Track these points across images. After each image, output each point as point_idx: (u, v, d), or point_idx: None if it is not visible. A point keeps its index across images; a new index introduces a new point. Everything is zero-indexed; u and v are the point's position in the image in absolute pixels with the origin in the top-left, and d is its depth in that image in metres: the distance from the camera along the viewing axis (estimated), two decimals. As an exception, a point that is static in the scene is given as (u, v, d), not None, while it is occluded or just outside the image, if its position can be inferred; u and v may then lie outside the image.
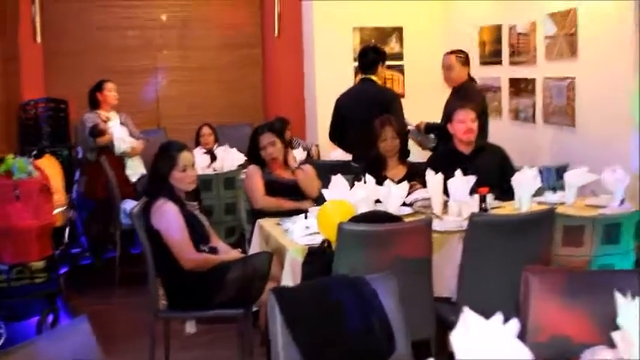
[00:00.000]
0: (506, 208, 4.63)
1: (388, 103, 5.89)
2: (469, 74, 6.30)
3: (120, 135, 6.82)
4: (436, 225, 4.04)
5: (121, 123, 7.00)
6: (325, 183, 5.09)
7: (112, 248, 7.04)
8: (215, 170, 6.65)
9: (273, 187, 5.04)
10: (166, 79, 9.34)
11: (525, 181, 4.58)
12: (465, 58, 6.25)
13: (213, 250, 4.24)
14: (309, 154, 7.30)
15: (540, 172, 4.76)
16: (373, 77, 6.08)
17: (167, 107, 9.27)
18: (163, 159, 4.15)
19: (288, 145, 5.48)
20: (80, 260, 7.11)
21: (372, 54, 6.13)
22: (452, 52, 6.34)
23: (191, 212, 4.18)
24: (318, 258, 3.70)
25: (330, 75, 8.17)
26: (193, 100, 9.24)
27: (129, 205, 6.44)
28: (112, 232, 6.76)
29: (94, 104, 6.99)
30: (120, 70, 8.97)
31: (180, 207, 4.07)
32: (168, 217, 4.01)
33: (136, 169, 6.99)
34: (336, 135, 6.24)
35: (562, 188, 4.91)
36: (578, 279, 2.54)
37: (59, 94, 8.48)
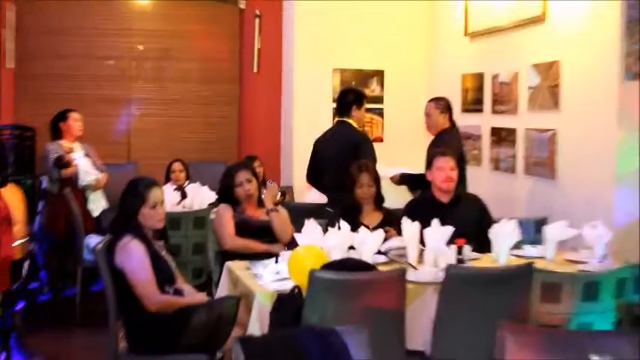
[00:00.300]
0: (483, 261, 4.63)
1: (358, 146, 5.98)
2: (451, 121, 6.35)
3: (85, 167, 6.79)
4: (411, 275, 4.02)
5: (85, 154, 6.96)
6: (299, 227, 5.10)
7: (72, 284, 6.97)
8: (184, 208, 6.61)
9: (244, 228, 5.02)
10: (140, 111, 9.36)
11: (504, 234, 4.60)
12: (444, 106, 6.33)
13: (179, 293, 4.18)
14: (283, 196, 7.29)
15: (519, 224, 4.77)
16: (349, 120, 6.17)
17: (139, 140, 9.26)
18: (132, 195, 4.12)
19: (262, 184, 5.47)
20: (38, 296, 7.01)
21: (350, 95, 6.23)
22: (431, 100, 6.43)
23: (157, 252, 4.14)
24: (287, 305, 3.67)
25: (308, 115, 8.19)
26: (167, 133, 9.26)
27: (93, 240, 6.37)
28: (73, 267, 6.69)
29: (56, 134, 6.96)
30: (93, 100, 9.00)
31: (147, 246, 4.03)
32: (134, 256, 3.97)
33: (98, 203, 6.96)
34: (313, 176, 6.34)
35: (541, 242, 4.92)
36: (553, 339, 2.54)
37: (28, 121, 8.46)
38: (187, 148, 9.07)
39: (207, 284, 5.99)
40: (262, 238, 5.05)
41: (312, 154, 6.35)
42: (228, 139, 9.44)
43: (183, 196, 6.82)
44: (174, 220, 5.83)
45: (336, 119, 6.31)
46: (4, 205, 5.19)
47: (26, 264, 6.47)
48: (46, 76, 9.00)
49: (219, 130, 9.41)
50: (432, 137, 6.36)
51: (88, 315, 6.36)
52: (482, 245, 4.83)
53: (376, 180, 5.26)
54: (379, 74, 8.37)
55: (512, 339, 2.57)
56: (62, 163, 6.70)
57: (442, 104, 6.33)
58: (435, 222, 4.54)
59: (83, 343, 5.99)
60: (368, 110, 8.23)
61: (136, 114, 9.34)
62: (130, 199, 4.11)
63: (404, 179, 6.42)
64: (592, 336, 2.71)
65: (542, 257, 4.68)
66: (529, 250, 4.84)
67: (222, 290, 4.45)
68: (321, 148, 6.24)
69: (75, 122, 6.96)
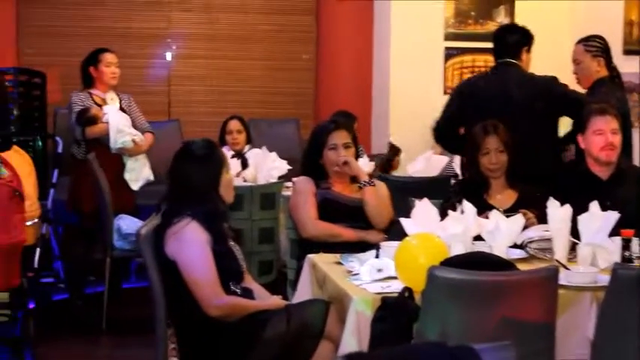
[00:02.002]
0: (657, 259, 4.60)
1: (562, 97, 5.90)
2: (610, 68, 6.27)
3: (118, 124, 6.89)
4: (561, 278, 4.00)
5: (121, 108, 7.06)
6: (400, 208, 5.13)
7: (95, 280, 7.13)
8: (246, 181, 6.67)
9: (331, 209, 5.10)
10: (183, 51, 9.42)
11: (688, 223, 4.54)
12: (598, 49, 6.27)
13: (248, 293, 4.25)
14: (384, 167, 7.33)
15: None
16: (517, 62, 6.06)
17: (182, 91, 9.36)
18: (204, 164, 4.23)
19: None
20: (53, 294, 7.19)
21: (516, 34, 6.09)
22: (580, 41, 6.39)
23: (225, 239, 4.23)
24: (394, 313, 3.69)
25: (409, 57, 8.18)
26: (219, 82, 9.31)
27: (126, 222, 6.52)
28: (99, 258, 6.84)
29: (87, 82, 7.07)
30: (118, 34, 9.10)
31: (213, 231, 4.11)
32: (191, 246, 4.04)
33: (138, 173, 7.06)
34: (450, 134, 6.18)
35: None
36: None
37: (34, 64, 8.61)
38: (247, 101, 9.14)
39: (277, 283, 6.08)
40: (353, 223, 5.11)
41: (455, 104, 6.10)
42: (301, 91, 9.45)
43: (244, 165, 6.90)
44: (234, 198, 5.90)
45: (500, 61, 6.14)
46: (12, 174, 5.33)
47: (37, 252, 6.66)
48: (58, 4, 9.13)
49: (290, 79, 9.42)
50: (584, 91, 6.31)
51: (118, 320, 6.53)
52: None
53: (508, 145, 5.22)
54: (508, 2, 8.31)
55: None
56: (86, 118, 6.80)
57: (595, 46, 6.29)
58: (594, 205, 4.50)
59: (111, 355, 6.14)
60: (492, 51, 8.19)
61: (178, 55, 9.43)
62: (200, 169, 4.22)
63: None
64: None
65: None
66: None
67: (304, 292, 4.50)
68: (479, 95, 5.97)
69: (108, 67, 7.05)
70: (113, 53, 7.12)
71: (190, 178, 4.22)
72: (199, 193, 4.19)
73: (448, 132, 6.17)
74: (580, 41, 6.39)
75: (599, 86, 6.19)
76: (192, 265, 4.03)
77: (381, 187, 5.27)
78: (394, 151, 7.60)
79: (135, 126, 7.05)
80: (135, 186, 7.00)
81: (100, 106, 6.95)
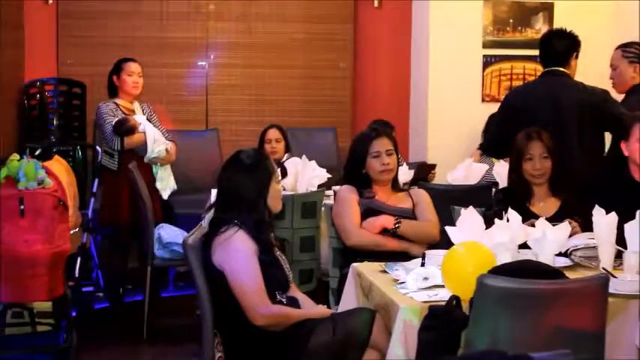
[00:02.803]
0: (702, 268, 4.57)
1: (602, 104, 5.84)
2: None
3: (154, 134, 6.92)
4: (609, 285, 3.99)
5: (147, 118, 7.08)
6: (442, 216, 5.12)
7: (133, 289, 7.17)
8: (285, 190, 6.68)
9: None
10: (220, 60, 9.45)
11: None
12: (635, 55, 6.28)
13: (293, 302, 4.26)
14: (423, 177, 7.32)
15: None
16: (566, 70, 6.00)
17: (220, 100, 9.39)
18: (252, 172, 4.25)
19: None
20: (94, 303, 7.23)
21: (565, 40, 6.03)
22: (619, 47, 6.39)
23: (271, 248, 4.25)
24: (442, 322, 3.67)
25: (448, 65, 8.17)
26: (256, 91, 9.34)
27: (166, 231, 6.54)
28: (136, 267, 6.87)
29: (112, 91, 7.10)
30: (156, 45, 9.13)
31: (260, 240, 4.14)
32: (239, 255, 4.06)
33: (167, 182, 7.11)
34: (501, 145, 6.14)
35: None
36: None
37: (74, 74, 8.67)
38: (285, 110, 9.15)
39: (317, 292, 6.08)
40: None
41: (505, 113, 6.05)
42: (338, 99, 9.45)
43: (284, 173, 6.89)
44: (276, 207, 5.93)
45: (548, 69, 6.04)
46: (57, 184, 5.37)
47: (78, 261, 6.71)
48: (98, 14, 9.17)
49: (327, 87, 9.42)
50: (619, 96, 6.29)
51: (159, 328, 6.55)
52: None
53: (552, 152, 5.20)
54: (547, 8, 8.32)
55: None
56: (126, 128, 6.82)
57: (633, 52, 6.28)
58: (640, 213, 4.48)
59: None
60: (530, 59, 8.19)
61: (214, 64, 9.46)
62: (248, 178, 4.24)
63: None
64: None
65: None
66: None
67: (349, 301, 4.49)
68: (528, 106, 5.89)
69: (129, 76, 7.04)
70: (136, 63, 7.11)
71: (239, 187, 4.23)
72: (247, 202, 4.20)
73: (499, 145, 6.14)
74: (619, 47, 6.39)
75: (633, 93, 6.19)
76: (240, 274, 4.05)
77: (423, 196, 5.26)
78: (428, 168, 7.56)
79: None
80: (165, 195, 7.05)
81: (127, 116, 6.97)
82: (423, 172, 7.14)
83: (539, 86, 6.10)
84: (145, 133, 6.90)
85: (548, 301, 3.62)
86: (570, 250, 4.64)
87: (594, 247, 4.57)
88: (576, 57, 6.06)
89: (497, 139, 6.10)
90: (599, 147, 5.95)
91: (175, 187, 7.16)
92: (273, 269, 4.19)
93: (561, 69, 5.96)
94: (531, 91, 6.09)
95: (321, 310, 4.31)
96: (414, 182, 6.78)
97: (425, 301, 3.88)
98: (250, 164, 4.27)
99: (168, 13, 9.30)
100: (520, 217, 4.55)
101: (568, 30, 6.13)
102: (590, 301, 3.69)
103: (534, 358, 2.45)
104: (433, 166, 7.58)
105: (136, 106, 7.13)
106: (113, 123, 6.83)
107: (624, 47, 6.36)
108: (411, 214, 5.15)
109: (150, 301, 6.60)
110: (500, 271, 3.77)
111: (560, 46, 6.01)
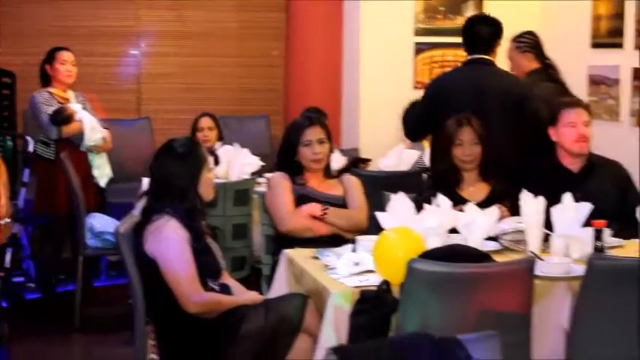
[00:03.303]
0: (627, 249, 4.65)
1: (524, 100, 5.80)
2: (542, 60, 6.45)
3: (91, 122, 6.88)
4: (535, 268, 4.05)
5: (83, 107, 7.03)
6: (373, 202, 5.15)
7: (65, 279, 7.13)
8: (218, 178, 6.68)
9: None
10: (152, 49, 9.41)
11: (658, 213, 4.60)
12: (526, 44, 6.43)
13: (225, 289, 4.28)
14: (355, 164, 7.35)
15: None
16: (490, 58, 5.97)
17: (152, 89, 9.34)
18: (185, 161, 4.24)
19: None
20: (25, 294, 7.17)
21: (491, 27, 5.97)
22: (512, 39, 6.55)
23: (202, 236, 4.25)
24: (373, 306, 3.72)
25: (379, 52, 8.21)
26: (189, 80, 9.31)
27: (98, 220, 6.51)
28: (69, 257, 6.82)
29: (45, 81, 7.04)
30: (87, 34, 9.06)
31: (191, 228, 4.14)
32: (170, 243, 4.06)
33: (104, 170, 7.06)
34: (421, 132, 6.24)
35: None
36: None
37: (4, 64, 8.56)
38: (217, 98, 9.11)
39: (250, 279, 6.10)
40: (330, 218, 5.13)
41: (428, 101, 6.01)
42: (271, 87, 9.45)
43: (216, 161, 6.90)
44: (208, 195, 5.93)
45: (473, 57, 5.98)
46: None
47: (9, 252, 6.64)
48: (28, 3, 9.08)
49: (260, 75, 9.42)
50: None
51: (91, 318, 6.52)
52: (626, 228, 4.84)
53: (482, 138, 5.25)
54: (477, -4, 8.37)
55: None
56: (63, 117, 6.76)
57: (523, 42, 6.45)
58: (567, 197, 4.55)
59: (85, 353, 6.14)
60: (461, 46, 8.23)
61: (146, 53, 9.41)
62: (180, 167, 4.23)
63: None
64: None
65: None
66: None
67: (280, 287, 4.51)
68: (452, 94, 5.83)
69: (62, 65, 6.99)
70: (69, 52, 7.05)
71: (170, 175, 4.22)
72: (179, 190, 4.20)
73: (420, 132, 6.21)
74: (512, 39, 6.53)
75: (528, 77, 6.31)
76: (172, 262, 4.05)
77: (353, 182, 5.28)
78: (361, 161, 7.56)
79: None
80: (102, 182, 7.01)
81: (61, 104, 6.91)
82: (356, 166, 7.16)
83: (464, 74, 6.04)
84: (82, 121, 6.85)
85: (476, 285, 3.68)
86: (499, 234, 4.70)
87: (522, 231, 4.63)
88: (499, 44, 6.01)
89: (420, 125, 6.14)
90: (524, 135, 5.92)
91: (112, 174, 7.12)
92: (204, 257, 4.19)
93: (486, 57, 5.93)
94: (456, 79, 6.02)
95: (253, 297, 4.34)
96: (346, 169, 6.80)
97: (356, 286, 3.92)
98: (182, 152, 4.27)
99: (99, 2, 9.23)
100: (450, 202, 4.60)
101: (492, 16, 6.09)
102: (516, 284, 3.77)
103: (461, 340, 2.49)
104: (367, 160, 7.60)
105: (70, 94, 7.07)
106: (50, 112, 6.77)
107: (516, 38, 6.51)
108: (342, 201, 5.15)
109: (82, 291, 6.56)
110: (429, 255, 3.82)
111: (485, 33, 5.94)
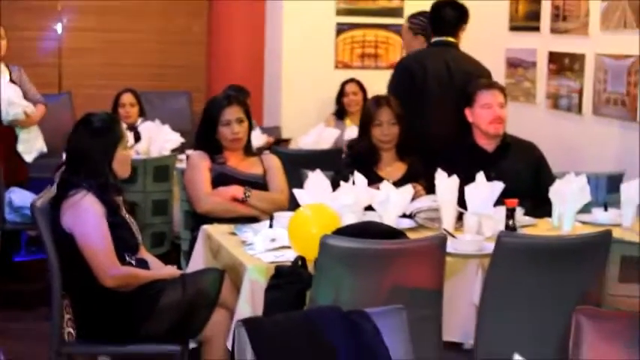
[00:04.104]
0: (539, 227, 4.76)
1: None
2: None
3: (9, 97, 6.81)
4: (448, 246, 4.13)
5: (12, 80, 6.97)
6: (292, 180, 5.19)
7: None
8: (139, 154, 6.68)
9: (226, 184, 5.07)
10: (74, 24, 9.34)
11: (570, 193, 4.69)
12: (419, 27, 6.32)
13: (142, 264, 4.29)
14: (277, 142, 7.39)
15: (587, 180, 4.87)
16: (455, 41, 5.93)
17: (73, 64, 9.28)
18: (101, 137, 4.23)
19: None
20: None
21: (455, 10, 5.91)
22: (407, 18, 6.50)
23: (118, 211, 4.25)
24: (288, 281, 3.77)
25: (301, 32, 8.25)
26: (111, 55, 9.26)
27: (17, 195, 6.46)
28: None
29: None
30: (7, 7, 8.94)
31: (106, 203, 4.14)
32: (88, 217, 4.06)
33: (32, 145, 7.00)
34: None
35: (616, 204, 5.02)
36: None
37: None
38: (138, 74, 9.07)
39: (170, 254, 6.11)
40: (249, 198, 5.15)
41: (399, 79, 5.90)
42: (193, 63, 9.44)
43: (137, 138, 6.90)
44: (127, 171, 5.92)
45: (437, 39, 5.94)
46: None
47: None
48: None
49: (181, 51, 9.40)
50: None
51: (11, 293, 6.47)
52: (538, 207, 4.96)
53: (400, 118, 5.31)
54: (398, -24, 8.45)
55: (591, 327, 2.69)
56: (-23, 90, 6.70)
57: (417, 23, 6.35)
58: (480, 176, 4.63)
59: (5, 328, 6.09)
60: (382, 27, 8.33)
61: (67, 28, 9.34)
62: (97, 143, 4.22)
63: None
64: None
65: (617, 225, 4.77)
66: (600, 215, 4.94)
67: (198, 262, 4.55)
68: (419, 77, 5.76)
69: None
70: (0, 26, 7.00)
71: (85, 150, 4.22)
72: (93, 165, 4.19)
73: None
74: (407, 19, 6.50)
75: None
76: (89, 236, 4.06)
77: (273, 160, 5.30)
78: (282, 142, 7.60)
79: (27, 98, 6.94)
80: (28, 158, 6.93)
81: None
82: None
83: (435, 53, 5.96)
84: None
85: (388, 261, 3.75)
86: (414, 212, 4.77)
87: (437, 209, 4.70)
88: (464, 28, 5.98)
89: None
90: None
91: (45, 149, 7.04)
92: (122, 231, 4.20)
93: (451, 39, 5.91)
94: (425, 58, 5.93)
95: (170, 271, 4.35)
96: (266, 148, 6.84)
97: (271, 262, 3.98)
98: (98, 127, 4.26)
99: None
100: (365, 180, 4.65)
101: (458, 1, 6.03)
102: (428, 260, 3.83)
103: (368, 314, 2.55)
104: (286, 140, 7.65)
105: (2, 68, 7.00)
106: None
107: (410, 18, 6.43)
108: (261, 180, 5.16)
109: (1, 266, 6.53)
110: (343, 232, 3.88)
111: (452, 16, 5.93)
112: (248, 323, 2.42)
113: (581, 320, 2.72)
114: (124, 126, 6.80)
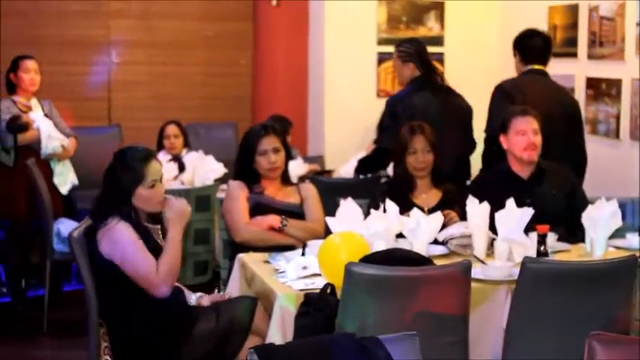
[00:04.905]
0: (572, 253, 4.77)
1: (578, 115, 5.99)
2: (426, 68, 6.31)
3: (48, 130, 6.91)
4: (478, 272, 4.16)
5: (45, 114, 7.09)
6: (330, 209, 5.22)
7: (36, 283, 7.17)
8: (183, 184, 6.78)
9: (263, 213, 5.11)
10: (122, 58, 9.47)
11: (601, 218, 4.69)
12: (407, 54, 6.30)
13: (177, 291, 4.34)
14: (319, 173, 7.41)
15: (622, 206, 4.86)
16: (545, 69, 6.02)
17: (122, 97, 9.39)
18: (124, 172, 4.25)
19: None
20: (-5, 299, 7.23)
21: (542, 38, 6.05)
22: (396, 45, 6.48)
23: (153, 239, 4.29)
24: (317, 308, 3.81)
25: (343, 61, 8.31)
26: (157, 88, 9.37)
27: (65, 225, 6.56)
28: (40, 261, 6.87)
29: (10, 89, 7.09)
30: (57, 42, 9.10)
31: (139, 231, 4.19)
32: (123, 241, 4.11)
33: (66, 177, 7.09)
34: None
35: (649, 230, 5.01)
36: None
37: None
38: (185, 106, 9.17)
39: (212, 283, 6.17)
40: (288, 228, 5.19)
41: (497, 101, 5.95)
42: (238, 96, 9.53)
43: (181, 168, 7.00)
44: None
45: (530, 67, 5.99)
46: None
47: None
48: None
49: (227, 84, 9.50)
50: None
51: (59, 322, 6.58)
52: (573, 233, 4.96)
53: (434, 146, 5.32)
54: (438, 7, 8.49)
55: (603, 352, 2.70)
56: (18, 125, 6.79)
57: (404, 51, 6.33)
58: (510, 202, 4.64)
59: (52, 357, 6.19)
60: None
61: (116, 62, 9.48)
62: (121, 176, 4.25)
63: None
64: None
65: (650, 250, 4.76)
66: (634, 241, 4.91)
67: (233, 290, 4.62)
68: (519, 102, 5.73)
69: (26, 73, 7.03)
70: (33, 60, 7.07)
71: (114, 180, 4.27)
72: (119, 196, 4.23)
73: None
74: (395, 46, 6.47)
75: (409, 85, 6.27)
76: (130, 258, 4.10)
77: (310, 190, 5.33)
78: (324, 174, 7.62)
79: (58, 131, 7.08)
80: (64, 190, 7.01)
81: (24, 112, 6.95)
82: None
83: (528, 82, 6.01)
84: (39, 130, 6.89)
85: (412, 288, 3.76)
86: (447, 238, 4.79)
87: (470, 235, 4.71)
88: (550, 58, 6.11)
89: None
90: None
91: (76, 181, 7.12)
92: (157, 256, 4.20)
93: (544, 68, 6.01)
94: (523, 85, 5.97)
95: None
96: (306, 177, 6.88)
97: (301, 289, 4.02)
98: (124, 163, 4.29)
99: (68, 13, 9.25)
100: (397, 208, 4.68)
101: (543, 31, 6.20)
102: (453, 287, 3.84)
103: (380, 340, 2.58)
104: (329, 172, 7.66)
105: (34, 102, 7.11)
106: (7, 120, 6.84)
107: (397, 47, 6.42)
108: (298, 209, 5.19)
109: (51, 295, 6.61)
110: (370, 259, 3.92)
111: (541, 46, 6.04)
112: (260, 351, 2.46)
113: (594, 346, 2.74)
114: (168, 157, 7.02)
